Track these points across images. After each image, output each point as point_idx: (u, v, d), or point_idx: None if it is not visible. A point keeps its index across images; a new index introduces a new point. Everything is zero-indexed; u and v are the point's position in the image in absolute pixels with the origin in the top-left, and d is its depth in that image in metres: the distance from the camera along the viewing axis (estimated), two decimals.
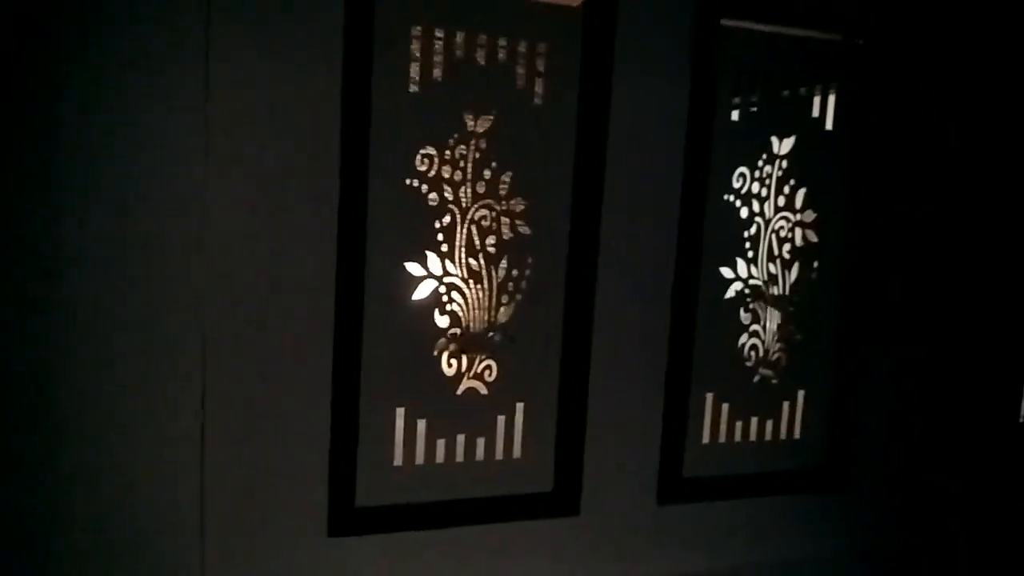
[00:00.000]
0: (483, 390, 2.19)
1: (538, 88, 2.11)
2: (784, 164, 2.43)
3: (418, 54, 1.98)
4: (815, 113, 2.46)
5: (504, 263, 2.15)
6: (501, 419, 2.22)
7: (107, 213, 1.76)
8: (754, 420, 2.52)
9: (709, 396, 2.46)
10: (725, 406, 2.48)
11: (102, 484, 1.83)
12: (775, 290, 2.49)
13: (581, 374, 2.23)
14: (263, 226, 1.89)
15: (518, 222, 2.15)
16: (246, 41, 1.82)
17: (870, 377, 2.59)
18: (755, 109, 2.38)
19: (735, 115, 2.36)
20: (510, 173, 2.11)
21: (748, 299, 2.46)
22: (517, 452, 2.24)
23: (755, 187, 2.41)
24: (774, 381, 2.53)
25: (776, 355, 2.52)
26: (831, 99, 2.47)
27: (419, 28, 1.97)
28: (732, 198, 2.38)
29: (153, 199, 1.79)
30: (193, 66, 1.78)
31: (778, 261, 2.48)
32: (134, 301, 1.80)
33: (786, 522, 2.54)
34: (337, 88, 1.89)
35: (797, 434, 2.59)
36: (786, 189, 2.45)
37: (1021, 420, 2.76)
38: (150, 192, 1.78)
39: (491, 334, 2.16)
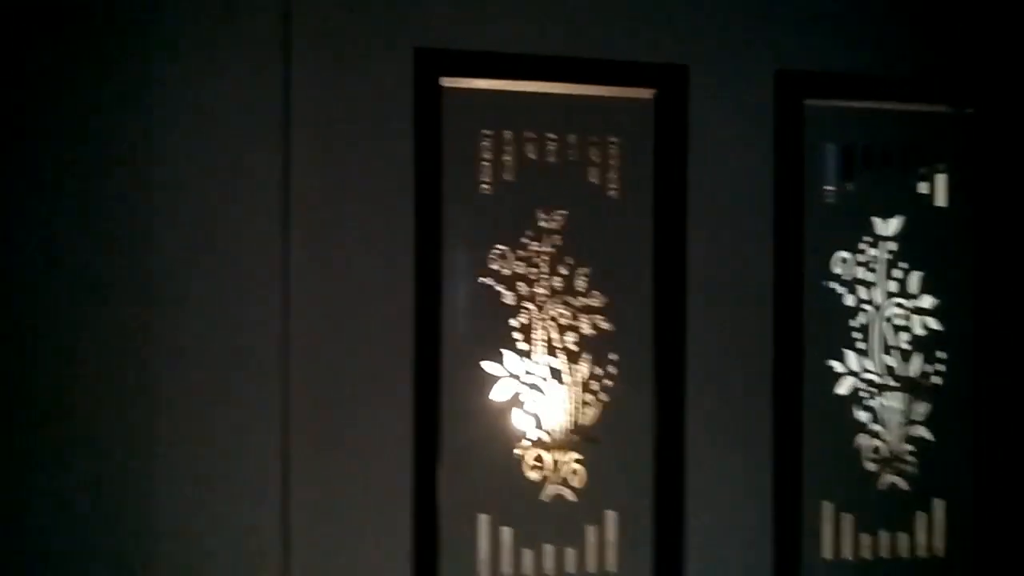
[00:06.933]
0: (570, 496, 2.06)
1: (611, 182, 2.09)
2: (892, 246, 2.25)
3: (488, 156, 2.02)
4: (923, 190, 2.28)
5: (586, 360, 2.07)
6: (591, 529, 2.07)
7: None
8: (883, 534, 2.23)
9: (827, 505, 2.20)
10: (848, 517, 2.21)
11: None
12: (895, 385, 2.25)
13: (677, 479, 2.07)
14: (341, 329, 1.93)
15: (598, 317, 2.08)
16: (325, 153, 1.93)
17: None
18: (851, 188, 2.23)
19: (830, 197, 2.22)
20: (587, 268, 2.07)
21: (862, 395, 2.23)
22: (612, 565, 2.08)
23: (859, 272, 2.23)
24: (904, 488, 2.24)
25: (904, 458, 2.24)
26: (941, 174, 2.29)
27: (488, 131, 2.02)
28: (833, 284, 2.21)
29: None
30: (271, 160, 1.91)
31: (896, 352, 2.25)
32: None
33: None
34: (410, 191, 1.96)
35: (940, 551, 2.26)
36: (897, 273, 2.25)
37: None
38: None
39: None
